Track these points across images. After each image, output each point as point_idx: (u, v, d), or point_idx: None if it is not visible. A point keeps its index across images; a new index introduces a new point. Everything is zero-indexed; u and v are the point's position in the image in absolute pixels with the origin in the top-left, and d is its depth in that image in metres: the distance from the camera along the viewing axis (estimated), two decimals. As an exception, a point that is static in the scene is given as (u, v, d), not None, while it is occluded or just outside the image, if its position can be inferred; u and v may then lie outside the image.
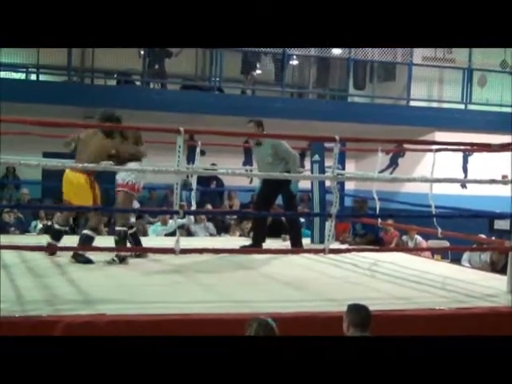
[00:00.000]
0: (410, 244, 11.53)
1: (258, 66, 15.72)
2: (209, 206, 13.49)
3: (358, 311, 4.29)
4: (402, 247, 10.66)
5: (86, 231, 7.25)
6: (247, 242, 8.98)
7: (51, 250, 7.18)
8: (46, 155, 11.78)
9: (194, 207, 8.91)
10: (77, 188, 7.15)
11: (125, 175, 7.27)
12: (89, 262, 7.06)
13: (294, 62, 17.05)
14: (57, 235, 7.49)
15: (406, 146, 11.67)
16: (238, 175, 9.40)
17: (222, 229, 13.18)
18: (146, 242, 8.45)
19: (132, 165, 7.25)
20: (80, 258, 7.05)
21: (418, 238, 11.63)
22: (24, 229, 11.49)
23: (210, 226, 12.66)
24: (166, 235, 11.44)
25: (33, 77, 15.54)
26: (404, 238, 11.77)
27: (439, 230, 7.39)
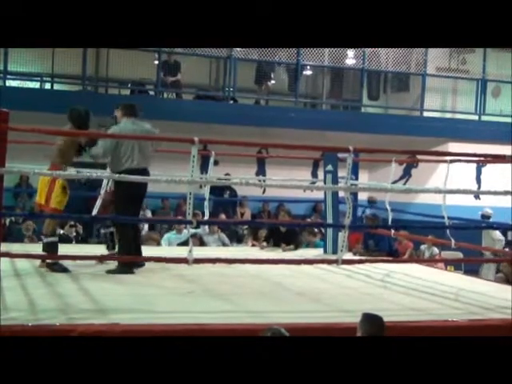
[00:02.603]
0: (427, 254, 11.51)
1: (272, 76, 15.72)
2: (222, 216, 13.50)
3: (373, 322, 4.27)
4: (415, 258, 10.63)
5: (45, 240, 7.00)
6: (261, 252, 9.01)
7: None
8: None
9: (207, 217, 8.92)
10: (41, 188, 6.97)
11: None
12: (65, 270, 6.91)
13: (308, 73, 17.06)
14: (50, 247, 7.01)
15: (420, 156, 11.65)
16: (252, 185, 9.38)
17: (236, 238, 13.18)
18: (158, 251, 8.48)
19: None
20: (55, 267, 6.89)
21: (435, 249, 11.62)
22: (38, 237, 11.51)
23: (223, 235, 12.65)
24: (179, 245, 11.45)
25: (47, 86, 15.62)
26: (422, 247, 11.77)
27: (453, 242, 7.36)
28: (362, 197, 12.63)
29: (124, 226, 7.24)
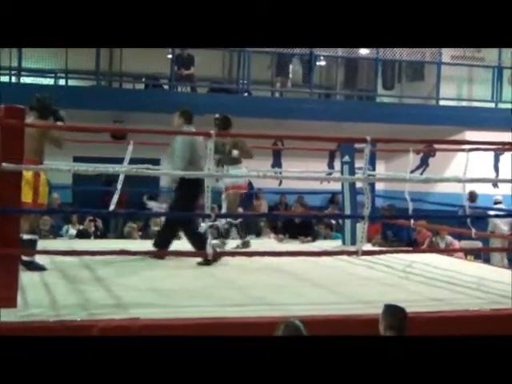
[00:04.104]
0: (441, 244, 11.44)
1: (290, 69, 15.66)
2: (240, 209, 13.46)
3: (395, 313, 4.24)
4: (435, 248, 10.57)
5: (25, 237, 6.47)
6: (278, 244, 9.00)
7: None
8: (77, 159, 11.83)
9: (224, 210, 8.91)
10: (24, 185, 6.25)
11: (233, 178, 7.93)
12: (41, 269, 6.69)
13: (322, 63, 16.99)
14: (29, 245, 6.63)
15: (437, 145, 11.58)
16: (270, 177, 9.38)
17: (254, 231, 13.13)
18: (178, 245, 8.47)
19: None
20: (31, 266, 6.60)
21: (449, 238, 11.54)
22: (56, 233, 11.54)
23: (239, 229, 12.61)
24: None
25: (61, 82, 15.64)
26: (435, 238, 11.69)
27: (473, 231, 7.31)
28: (379, 187, 12.55)
29: (177, 221, 7.55)
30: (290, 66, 15.64)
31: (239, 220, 8.64)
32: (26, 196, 6.36)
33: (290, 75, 15.68)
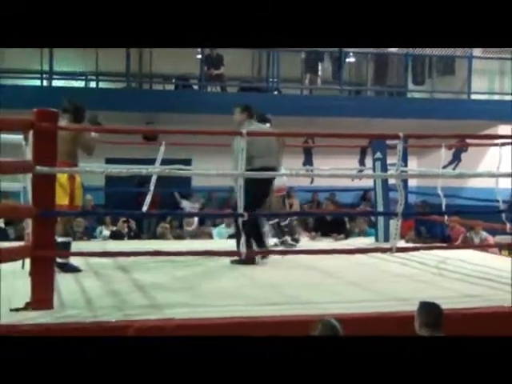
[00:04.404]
0: (476, 240, 11.36)
1: (320, 66, 15.63)
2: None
3: (430, 310, 4.22)
4: (469, 244, 10.49)
5: (59, 239, 6.38)
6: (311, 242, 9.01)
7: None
8: (109, 161, 11.91)
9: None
10: (59, 188, 6.38)
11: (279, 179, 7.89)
12: (76, 270, 6.76)
13: (351, 60, 16.94)
14: (63, 247, 6.66)
15: (469, 140, 11.49)
16: (301, 176, 9.36)
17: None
18: (210, 244, 8.51)
19: None
20: (66, 268, 6.64)
21: (484, 233, 11.45)
22: (90, 235, 11.64)
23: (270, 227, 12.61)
24: (229, 237, 11.48)
25: (92, 84, 15.75)
26: (469, 234, 11.60)
27: (508, 225, 7.24)
28: (411, 183, 12.50)
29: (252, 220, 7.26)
30: (320, 64, 15.60)
31: (276, 220, 8.61)
32: (62, 199, 6.46)
33: (320, 72, 15.64)
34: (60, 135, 5.85)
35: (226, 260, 7.29)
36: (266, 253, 7.18)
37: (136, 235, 12.33)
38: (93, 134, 6.86)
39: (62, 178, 6.48)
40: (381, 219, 9.36)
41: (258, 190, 7.11)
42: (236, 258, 7.01)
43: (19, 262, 5.41)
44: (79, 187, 6.85)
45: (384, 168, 9.14)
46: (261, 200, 7.44)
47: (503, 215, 7.34)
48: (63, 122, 6.59)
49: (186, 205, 13.90)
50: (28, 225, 5.84)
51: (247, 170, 6.80)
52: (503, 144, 7.70)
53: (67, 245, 6.76)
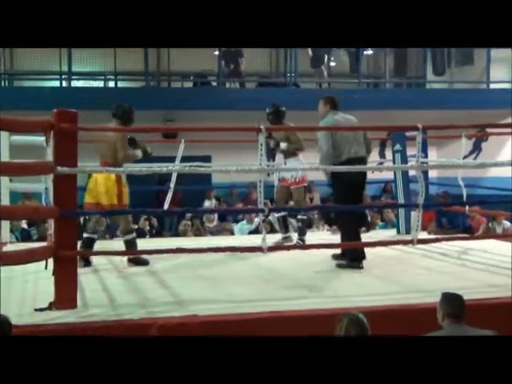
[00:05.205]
0: (498, 230, 11.30)
1: (325, 59, 15.53)
2: (291, 202, 13.46)
3: (452, 301, 4.20)
4: (491, 234, 10.43)
5: (124, 238, 7.25)
6: (333, 236, 8.99)
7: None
8: (129, 160, 11.96)
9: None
10: (109, 187, 7.01)
11: (292, 172, 7.94)
12: (146, 263, 7.10)
13: (369, 52, 16.88)
14: (88, 243, 7.24)
15: (489, 130, 11.42)
16: (322, 169, 9.30)
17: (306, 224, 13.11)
18: (231, 240, 8.52)
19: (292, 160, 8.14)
20: (139, 261, 7.09)
21: (507, 223, 11.39)
22: (112, 233, 11.68)
23: (293, 222, 12.62)
24: (250, 233, 11.51)
25: (111, 84, 15.82)
26: (491, 224, 11.53)
27: (530, 215, 7.20)
28: (432, 174, 12.44)
29: (347, 215, 7.05)
30: (326, 57, 15.52)
31: (282, 214, 8.55)
32: (112, 198, 6.95)
33: (325, 65, 15.58)
34: (104, 137, 6.78)
35: (246, 255, 7.29)
36: (288, 248, 7.14)
37: (158, 233, 12.38)
38: (137, 152, 7.32)
39: (111, 179, 6.92)
40: (402, 211, 9.34)
41: (345, 183, 6.81)
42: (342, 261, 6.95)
43: (42, 263, 5.43)
44: (125, 186, 7.13)
45: (404, 160, 9.12)
46: (353, 193, 6.95)
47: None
48: (112, 126, 7.11)
49: (206, 203, 13.94)
50: (50, 225, 5.90)
51: (335, 163, 6.78)
52: (524, 133, 7.65)
53: (134, 241, 7.20)
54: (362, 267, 6.78)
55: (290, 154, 8.31)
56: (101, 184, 7.00)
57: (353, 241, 6.81)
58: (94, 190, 7.07)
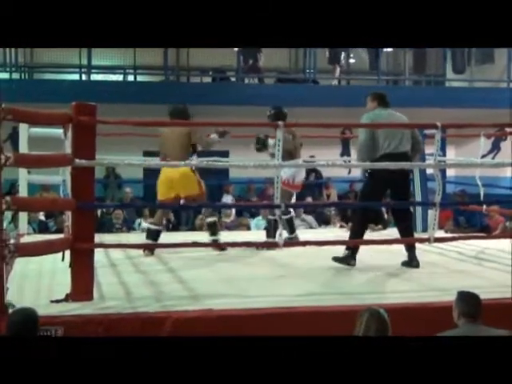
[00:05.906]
0: (515, 229, 11.21)
1: (342, 57, 15.47)
2: (309, 199, 13.47)
3: (468, 300, 4.18)
4: (509, 233, 10.36)
5: (148, 225, 7.93)
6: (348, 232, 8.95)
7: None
8: (146, 154, 12.00)
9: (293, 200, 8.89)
10: (186, 180, 7.39)
11: (284, 172, 7.55)
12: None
13: (388, 49, 16.81)
14: (153, 235, 7.69)
15: (509, 129, 11.34)
16: (339, 166, 9.30)
17: (322, 221, 13.12)
18: (247, 236, 8.53)
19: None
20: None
21: (524, 223, 11.31)
22: (129, 227, 11.73)
23: (309, 218, 12.60)
24: (265, 229, 11.48)
25: (130, 78, 15.86)
26: (509, 223, 11.45)
27: (548, 215, 7.15)
28: (450, 173, 12.39)
29: (359, 212, 7.03)
30: (342, 54, 15.46)
31: (290, 215, 8.42)
32: (195, 188, 7.46)
33: (342, 62, 15.52)
34: (177, 131, 7.32)
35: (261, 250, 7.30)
36: (303, 244, 7.13)
37: (174, 227, 12.38)
38: (213, 136, 7.70)
39: (191, 170, 7.42)
40: (419, 209, 9.30)
41: (375, 180, 6.77)
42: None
43: (59, 254, 5.46)
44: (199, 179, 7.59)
45: (422, 158, 9.07)
46: (377, 191, 6.86)
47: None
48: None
49: (225, 197, 13.95)
50: (68, 217, 5.94)
51: (374, 159, 6.66)
52: (543, 132, 7.60)
53: (159, 233, 7.68)
54: (353, 264, 6.69)
55: (286, 155, 7.97)
56: (179, 179, 7.38)
57: (356, 237, 6.75)
58: (165, 186, 7.49)
